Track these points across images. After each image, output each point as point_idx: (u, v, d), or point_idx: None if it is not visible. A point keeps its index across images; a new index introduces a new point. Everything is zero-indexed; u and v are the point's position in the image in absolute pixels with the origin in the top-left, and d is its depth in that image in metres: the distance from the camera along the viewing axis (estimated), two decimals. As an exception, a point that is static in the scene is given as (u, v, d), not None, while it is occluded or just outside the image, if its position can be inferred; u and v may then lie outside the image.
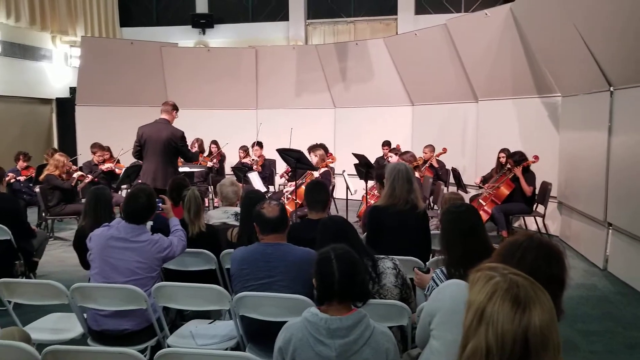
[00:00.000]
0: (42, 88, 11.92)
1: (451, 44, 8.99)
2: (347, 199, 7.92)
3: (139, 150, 6.52)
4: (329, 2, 13.49)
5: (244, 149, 10.24)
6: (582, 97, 6.82)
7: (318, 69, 11.13)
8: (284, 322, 2.96)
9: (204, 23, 13.58)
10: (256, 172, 8.22)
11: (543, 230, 7.39)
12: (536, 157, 7.27)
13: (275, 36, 13.35)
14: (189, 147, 6.56)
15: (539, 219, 7.48)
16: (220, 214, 4.75)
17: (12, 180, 7.99)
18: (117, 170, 8.47)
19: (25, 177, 8.57)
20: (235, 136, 10.62)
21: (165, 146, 6.31)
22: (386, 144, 9.74)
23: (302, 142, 9.02)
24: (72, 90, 12.40)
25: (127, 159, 8.96)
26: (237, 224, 4.67)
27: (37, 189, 7.56)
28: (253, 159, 9.59)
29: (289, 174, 8.74)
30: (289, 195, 7.67)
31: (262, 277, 3.00)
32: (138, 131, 6.55)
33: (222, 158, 10.34)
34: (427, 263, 3.65)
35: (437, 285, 2.78)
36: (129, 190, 9.05)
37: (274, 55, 11.36)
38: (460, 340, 2.02)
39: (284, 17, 13.60)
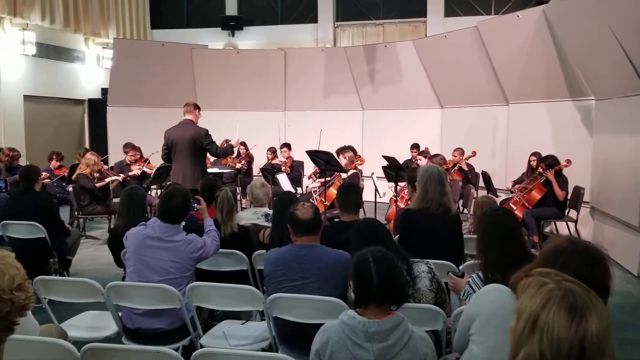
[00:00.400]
0: (75, 89, 12.14)
1: (482, 46, 8.90)
2: (375, 202, 7.89)
3: (168, 153, 6.61)
4: (357, 4, 13.47)
5: (272, 151, 10.27)
6: (617, 100, 6.69)
7: (346, 71, 11.11)
8: (317, 324, 2.97)
9: (233, 25, 13.69)
10: (284, 174, 8.24)
11: (575, 236, 7.27)
12: (568, 161, 7.14)
13: (304, 38, 13.38)
14: (218, 145, 6.61)
15: (571, 224, 7.36)
16: (250, 215, 4.77)
17: (46, 180, 8.12)
18: (147, 171, 8.56)
19: (58, 176, 8.72)
20: (263, 138, 10.67)
21: (191, 146, 6.38)
22: (415, 146, 9.68)
23: (330, 144, 9.02)
24: (104, 91, 12.60)
25: (156, 160, 9.06)
26: (267, 224, 4.69)
27: (70, 189, 7.68)
28: (282, 161, 9.62)
29: (317, 175, 8.73)
30: (317, 197, 7.67)
31: (295, 279, 3.00)
32: (165, 134, 6.63)
33: (250, 159, 10.39)
34: (459, 267, 3.61)
35: (474, 290, 2.76)
36: (159, 190, 9.19)
37: (302, 57, 11.38)
38: (500, 346, 2.01)
39: (313, 19, 13.63)
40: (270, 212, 4.89)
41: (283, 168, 9.20)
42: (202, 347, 3.18)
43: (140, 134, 9.84)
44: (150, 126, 10.59)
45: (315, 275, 2.98)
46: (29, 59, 10.65)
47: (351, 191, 3.88)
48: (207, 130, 6.48)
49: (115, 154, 10.06)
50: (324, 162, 6.27)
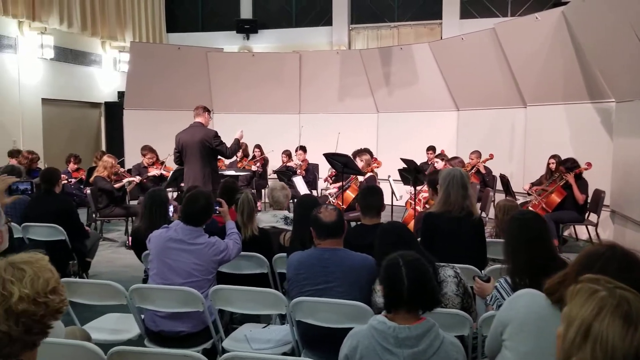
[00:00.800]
0: (91, 92, 12.23)
1: (499, 48, 8.84)
2: (392, 205, 7.85)
3: (179, 156, 6.65)
4: (372, 6, 13.45)
5: (287, 153, 10.27)
6: (638, 102, 6.61)
7: (361, 74, 11.09)
8: (341, 329, 2.95)
9: (248, 28, 13.72)
10: (300, 177, 8.22)
11: (595, 240, 7.19)
12: (589, 164, 7.07)
13: (319, 41, 13.39)
14: (227, 145, 6.60)
15: (591, 228, 7.27)
16: (270, 218, 4.76)
17: (65, 182, 8.17)
18: (165, 173, 8.60)
19: (75, 179, 8.77)
20: (278, 140, 10.69)
21: (200, 148, 6.41)
22: (431, 148, 9.64)
23: (345, 147, 9.02)
24: (120, 94, 12.68)
25: (173, 162, 9.09)
26: (287, 227, 4.69)
27: (87, 191, 7.72)
28: (297, 163, 9.60)
29: (333, 178, 8.72)
30: (333, 200, 7.64)
31: (319, 283, 2.98)
32: (175, 138, 6.68)
33: (265, 162, 10.39)
34: (482, 271, 3.57)
35: (501, 294, 2.72)
36: (174, 193, 9.21)
37: (317, 60, 11.38)
38: (532, 351, 1.97)
39: (327, 22, 13.63)
40: (290, 215, 4.89)
41: (298, 171, 9.19)
42: (224, 350, 3.17)
43: (156, 137, 9.86)
44: (166, 129, 10.59)
45: (339, 279, 2.96)
46: (47, 62, 10.74)
47: (373, 194, 3.85)
48: (216, 132, 6.51)
49: (132, 157, 10.12)
50: (342, 165, 6.25)
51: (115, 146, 11.30)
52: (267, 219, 4.72)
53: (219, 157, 7.05)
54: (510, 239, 2.76)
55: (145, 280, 4.10)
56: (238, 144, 6.66)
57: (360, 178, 7.21)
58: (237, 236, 3.68)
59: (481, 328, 2.71)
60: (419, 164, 9.38)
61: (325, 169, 10.66)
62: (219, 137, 6.46)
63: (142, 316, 3.37)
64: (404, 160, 7.13)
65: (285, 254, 3.85)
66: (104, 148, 12.22)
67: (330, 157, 6.41)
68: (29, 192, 2.86)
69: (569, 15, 7.48)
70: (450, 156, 8.22)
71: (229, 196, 4.74)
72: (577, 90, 7.83)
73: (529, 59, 8.36)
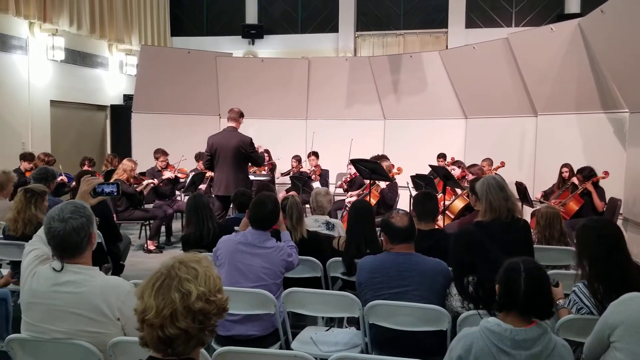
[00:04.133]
0: (98, 95, 12.16)
1: (511, 58, 8.99)
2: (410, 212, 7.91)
3: (210, 160, 6.63)
4: (378, 14, 13.57)
5: (297, 159, 10.30)
6: (653, 113, 6.78)
7: (369, 81, 11.17)
8: (414, 332, 3.01)
9: (254, 34, 13.75)
10: (318, 182, 8.27)
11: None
12: (606, 173, 7.21)
13: (324, 47, 13.46)
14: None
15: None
16: (312, 223, 4.82)
17: (79, 185, 8.13)
18: (180, 176, 8.60)
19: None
20: (285, 146, 10.73)
21: (235, 154, 6.43)
22: (441, 156, 9.74)
23: (351, 153, 9.12)
24: (126, 97, 12.63)
25: (184, 166, 9.11)
26: (328, 232, 4.75)
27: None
28: (310, 169, 9.65)
29: (347, 184, 8.78)
30: (347, 206, 7.69)
31: (395, 287, 3.04)
32: (208, 141, 6.66)
33: (272, 167, 10.41)
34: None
35: (580, 298, 2.80)
36: (185, 197, 9.21)
37: (326, 66, 11.44)
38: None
39: (333, 28, 13.71)
40: (331, 220, 4.95)
41: (313, 176, 9.22)
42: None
43: (163, 141, 9.82)
44: (174, 133, 10.67)
45: (415, 283, 3.02)
46: (57, 64, 10.67)
47: (429, 200, 3.92)
48: (252, 139, 6.53)
49: (140, 160, 10.07)
50: (369, 171, 6.31)
51: (121, 149, 11.24)
52: (309, 223, 4.77)
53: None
54: (587, 246, 2.83)
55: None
56: (263, 157, 6.75)
57: (382, 185, 7.28)
58: (295, 249, 3.71)
59: (558, 331, 2.78)
60: (429, 171, 9.54)
61: (334, 175, 10.76)
62: (254, 144, 6.50)
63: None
64: (432, 167, 7.21)
65: (339, 259, 3.91)
66: (109, 151, 12.16)
67: (358, 163, 6.46)
68: (115, 194, 2.86)
69: (585, 26, 7.64)
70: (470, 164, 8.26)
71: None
72: (590, 100, 8.00)
73: (543, 68, 8.52)
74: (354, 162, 6.53)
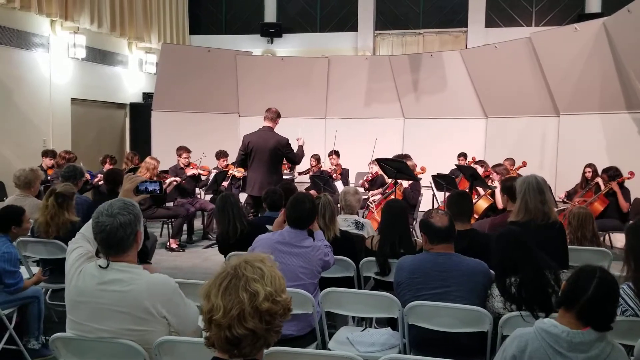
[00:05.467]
0: (118, 93, 12.22)
1: (534, 57, 8.93)
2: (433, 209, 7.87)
3: (244, 159, 6.61)
4: (397, 13, 13.52)
5: (316, 157, 10.25)
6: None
7: (389, 80, 11.14)
8: (454, 333, 2.99)
9: (273, 32, 13.74)
10: (340, 181, 8.25)
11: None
12: (632, 173, 7.14)
13: (343, 46, 13.42)
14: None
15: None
16: (341, 222, 4.78)
17: (102, 183, 8.15)
18: (202, 173, 8.61)
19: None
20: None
21: (271, 154, 6.40)
22: (462, 155, 9.66)
23: (370, 152, 9.12)
24: (145, 95, 12.68)
25: (206, 163, 9.12)
26: (358, 232, 4.73)
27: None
28: (331, 168, 9.62)
29: (369, 182, 8.74)
30: (370, 205, 7.66)
31: (435, 287, 3.01)
32: (244, 140, 6.64)
33: (291, 166, 10.38)
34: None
35: (625, 300, 2.77)
36: (206, 196, 9.23)
37: (345, 65, 11.42)
38: None
39: (352, 27, 13.68)
40: (361, 219, 4.93)
41: (334, 175, 9.19)
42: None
43: (183, 139, 9.80)
44: (193, 131, 10.67)
45: (456, 283, 2.99)
46: (77, 62, 10.73)
47: (464, 199, 3.89)
48: (288, 140, 6.50)
49: (159, 159, 10.07)
50: (395, 170, 6.28)
51: (140, 147, 11.27)
52: (338, 222, 4.74)
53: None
54: (635, 247, 2.80)
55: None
56: (302, 150, 6.67)
57: (405, 184, 7.25)
58: (330, 248, 3.69)
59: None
60: (449, 170, 9.49)
61: (353, 174, 10.73)
62: (290, 145, 6.48)
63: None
64: (459, 167, 7.17)
65: (373, 258, 3.89)
66: (128, 149, 12.21)
67: (384, 163, 6.44)
68: (158, 192, 2.86)
69: (610, 26, 7.58)
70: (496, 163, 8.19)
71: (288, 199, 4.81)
72: (614, 100, 7.93)
73: (566, 68, 8.46)
74: (380, 161, 6.50)
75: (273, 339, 1.63)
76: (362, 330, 3.51)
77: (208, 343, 1.61)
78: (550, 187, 4.25)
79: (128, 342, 2.37)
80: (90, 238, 2.57)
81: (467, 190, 6.55)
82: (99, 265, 2.40)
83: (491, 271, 3.11)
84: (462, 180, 8.94)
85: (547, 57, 8.73)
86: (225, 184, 8.71)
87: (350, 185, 10.10)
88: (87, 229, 2.65)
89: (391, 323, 3.88)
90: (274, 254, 3.30)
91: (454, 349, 3.01)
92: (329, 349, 3.25)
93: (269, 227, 4.10)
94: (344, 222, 4.78)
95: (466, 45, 12.50)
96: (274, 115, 6.56)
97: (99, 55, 11.43)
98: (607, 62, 7.77)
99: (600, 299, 2.08)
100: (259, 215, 6.81)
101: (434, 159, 9.42)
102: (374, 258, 3.86)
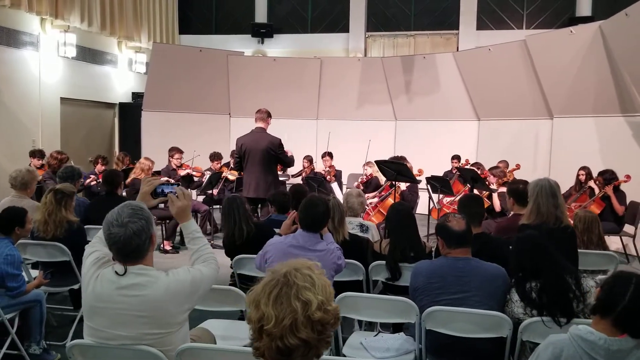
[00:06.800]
0: (107, 92, 12.05)
1: (528, 60, 8.96)
2: (429, 214, 7.88)
3: (239, 162, 6.57)
4: (388, 15, 13.52)
5: (309, 159, 10.19)
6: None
7: (381, 81, 11.12)
8: (472, 339, 2.95)
9: (264, 33, 13.66)
10: (336, 183, 8.21)
11: (631, 252, 7.31)
12: (628, 177, 7.18)
13: (334, 47, 13.39)
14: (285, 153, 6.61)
15: (627, 239, 7.38)
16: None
17: (93, 183, 8.02)
18: (194, 174, 8.52)
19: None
20: (294, 145, 10.59)
21: (264, 155, 6.36)
22: (455, 157, 9.67)
23: (362, 154, 9.12)
24: (134, 95, 12.53)
25: (197, 164, 9.03)
26: (362, 235, 4.68)
27: (124, 193, 7.58)
28: (324, 170, 9.57)
29: (364, 184, 8.71)
30: (366, 207, 7.62)
31: (454, 292, 2.98)
32: (237, 142, 6.59)
33: (284, 168, 10.31)
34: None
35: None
36: (199, 197, 9.12)
37: (337, 66, 11.38)
38: None
39: (343, 28, 13.65)
40: (365, 222, 4.89)
41: (328, 177, 9.14)
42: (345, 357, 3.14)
43: (173, 139, 9.68)
44: (183, 132, 10.56)
45: (475, 288, 2.96)
46: (67, 61, 10.57)
47: (475, 202, 3.86)
48: (281, 140, 6.47)
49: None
50: (395, 172, 6.25)
51: (129, 147, 11.11)
52: (344, 225, 4.70)
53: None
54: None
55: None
56: (292, 157, 6.68)
57: (403, 187, 7.22)
58: (340, 248, 3.64)
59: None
60: (443, 172, 9.50)
61: (345, 176, 10.68)
62: (283, 145, 6.44)
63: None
64: (460, 169, 7.16)
65: (382, 262, 3.85)
66: (117, 149, 12.06)
67: (383, 165, 6.41)
68: (176, 194, 2.78)
69: (607, 29, 7.62)
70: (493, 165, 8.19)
71: (298, 201, 4.75)
72: (609, 103, 7.97)
73: (561, 71, 8.49)
74: (379, 163, 6.46)
75: (323, 350, 1.58)
76: (375, 336, 3.46)
77: (257, 353, 1.55)
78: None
79: (149, 349, 2.32)
80: None
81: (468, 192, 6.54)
82: (116, 272, 2.34)
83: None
84: (455, 182, 8.96)
85: (541, 60, 8.76)
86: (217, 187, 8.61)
87: (344, 187, 10.08)
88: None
89: (396, 327, 3.85)
90: (287, 257, 3.27)
91: (472, 354, 2.99)
92: (344, 355, 3.20)
93: (277, 230, 4.03)
94: (349, 225, 4.70)
95: (457, 47, 12.53)
96: (265, 116, 6.55)
97: (88, 55, 11.26)
98: (603, 66, 7.81)
99: (638, 306, 2.05)
100: (258, 216, 6.77)
101: (425, 161, 9.39)
102: (383, 262, 3.82)
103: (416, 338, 3.14)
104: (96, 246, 2.56)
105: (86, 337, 2.38)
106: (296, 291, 1.50)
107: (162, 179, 4.21)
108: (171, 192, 2.73)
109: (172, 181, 7.20)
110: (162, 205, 8.19)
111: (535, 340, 2.82)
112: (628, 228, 7.34)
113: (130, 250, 2.33)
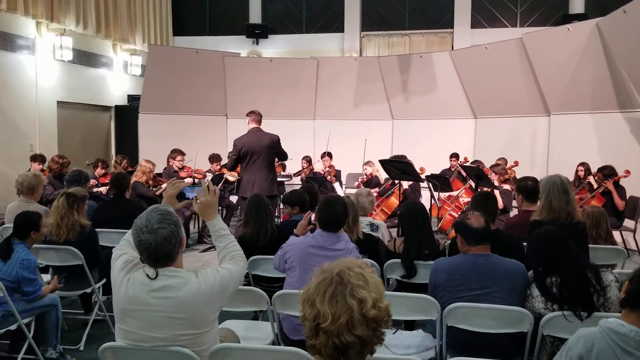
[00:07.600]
0: (103, 95, 12.02)
1: (525, 58, 9.03)
2: (430, 212, 7.91)
3: (237, 161, 6.60)
4: (383, 14, 13.57)
5: (307, 159, 10.20)
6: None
7: (378, 81, 11.16)
8: (493, 334, 2.99)
9: (258, 33, 13.66)
10: (337, 183, 8.23)
11: (631, 246, 7.39)
12: (627, 172, 7.26)
13: (330, 47, 13.42)
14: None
15: (627, 234, 7.46)
16: (355, 224, 4.76)
17: (96, 190, 7.99)
18: (196, 176, 8.51)
19: (103, 184, 8.58)
20: (292, 146, 10.61)
21: (268, 153, 6.43)
22: (454, 155, 9.73)
23: (360, 153, 9.14)
24: (130, 97, 12.49)
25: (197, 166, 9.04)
26: (372, 234, 4.70)
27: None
28: (324, 169, 9.59)
29: (364, 184, 8.74)
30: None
31: (475, 288, 3.01)
32: (237, 143, 6.60)
33: (283, 168, 10.32)
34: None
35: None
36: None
37: (334, 66, 11.40)
38: None
39: (338, 28, 13.69)
40: (375, 221, 4.92)
41: (328, 177, 9.16)
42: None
43: (170, 142, 9.66)
44: (180, 134, 10.54)
45: (496, 284, 3.00)
46: (63, 64, 10.53)
47: (489, 200, 3.90)
48: (278, 136, 6.55)
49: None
50: (399, 171, 6.28)
51: (125, 150, 11.11)
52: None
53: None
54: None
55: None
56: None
57: (405, 185, 7.26)
58: (357, 247, 3.66)
59: None
60: (440, 170, 9.55)
61: (343, 176, 10.71)
62: (280, 141, 6.52)
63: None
64: (463, 166, 7.21)
65: (397, 260, 3.88)
66: (113, 152, 12.02)
67: (387, 164, 6.44)
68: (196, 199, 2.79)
69: (604, 26, 7.69)
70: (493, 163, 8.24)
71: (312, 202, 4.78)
72: (607, 100, 8.05)
73: (558, 68, 8.56)
74: (384, 162, 6.50)
75: (376, 346, 1.61)
76: (394, 333, 3.48)
77: (314, 351, 1.58)
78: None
79: (183, 350, 2.33)
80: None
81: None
82: (147, 275, 2.35)
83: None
84: (454, 180, 9.02)
85: (538, 57, 8.84)
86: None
87: (343, 186, 10.10)
88: (130, 235, 2.59)
89: (408, 324, 3.88)
90: (307, 257, 3.31)
91: (493, 349, 3.02)
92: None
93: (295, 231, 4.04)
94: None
95: (452, 46, 12.60)
96: (260, 117, 6.66)
97: (84, 58, 11.22)
98: (600, 63, 7.89)
99: None
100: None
101: (423, 159, 9.43)
102: (397, 260, 3.84)
103: (437, 334, 3.17)
104: (124, 249, 2.57)
105: (119, 340, 2.39)
106: (351, 289, 1.53)
107: (186, 180, 4.21)
108: (189, 198, 2.75)
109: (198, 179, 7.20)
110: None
111: (557, 335, 2.87)
112: (628, 222, 7.43)
113: (162, 255, 2.35)
